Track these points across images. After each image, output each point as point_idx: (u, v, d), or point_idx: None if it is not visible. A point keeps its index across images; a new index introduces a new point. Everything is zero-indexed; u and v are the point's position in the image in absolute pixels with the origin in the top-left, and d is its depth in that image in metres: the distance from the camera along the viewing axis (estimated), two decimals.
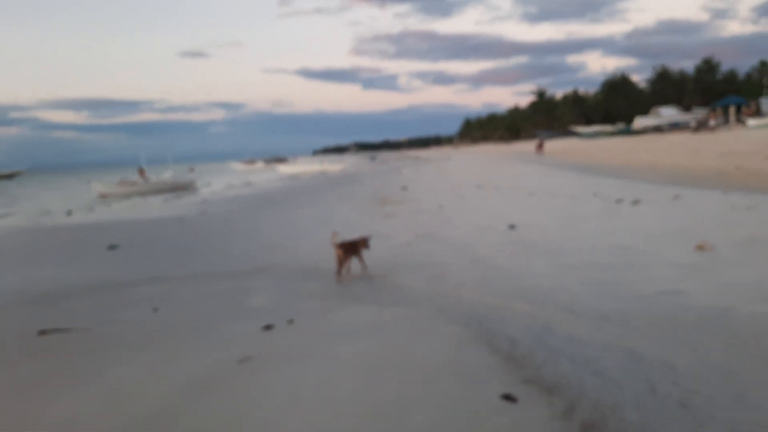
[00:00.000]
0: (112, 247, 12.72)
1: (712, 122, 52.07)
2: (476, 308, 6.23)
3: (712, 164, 25.61)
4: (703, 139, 39.71)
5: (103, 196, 39.77)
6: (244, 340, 5.49)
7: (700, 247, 7.97)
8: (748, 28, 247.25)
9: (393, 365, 4.50)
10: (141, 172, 46.35)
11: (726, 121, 53.35)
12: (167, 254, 11.70)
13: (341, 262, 8.21)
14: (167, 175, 47.43)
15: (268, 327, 5.79)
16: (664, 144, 40.76)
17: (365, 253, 8.59)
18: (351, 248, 8.37)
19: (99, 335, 6.14)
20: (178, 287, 8.46)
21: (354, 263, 8.55)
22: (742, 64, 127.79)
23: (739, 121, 52.54)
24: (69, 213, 25.63)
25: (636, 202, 12.78)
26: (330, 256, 9.89)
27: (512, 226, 11.12)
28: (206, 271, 9.58)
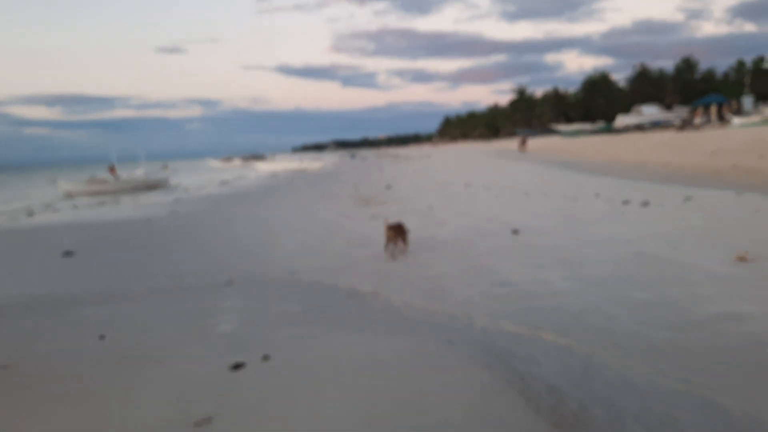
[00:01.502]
0: (67, 254, 11.37)
1: (697, 120, 51.63)
2: (493, 338, 5.08)
3: (705, 162, 24.81)
4: (690, 137, 39.08)
5: (71, 195, 38.00)
6: (206, 387, 4.28)
7: (742, 258, 6.91)
8: (723, 29, 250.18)
9: None
10: (112, 169, 44.58)
11: (709, 120, 52.92)
12: (128, 263, 10.40)
13: (392, 242, 8.95)
14: (139, 172, 45.68)
15: (237, 366, 4.58)
16: (649, 142, 40.06)
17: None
18: (399, 229, 9.07)
19: (24, 375, 4.88)
20: (134, 305, 7.19)
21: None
22: (717, 64, 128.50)
23: (723, 119, 52.20)
24: (30, 213, 24.04)
25: (645, 204, 11.75)
26: (310, 266, 8.71)
27: (515, 231, 10.00)
28: (169, 284, 8.31)
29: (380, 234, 11.30)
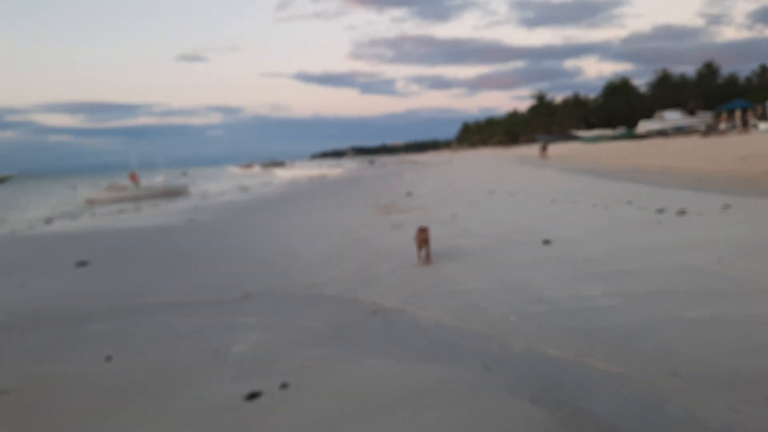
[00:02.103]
0: (81, 264, 11.06)
1: (722, 126, 50.51)
2: (536, 364, 4.58)
3: (735, 169, 24.02)
4: (716, 143, 38.14)
5: (91, 202, 38.06)
6: (217, 422, 3.84)
7: None
8: (744, 34, 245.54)
9: None
10: (132, 176, 44.70)
11: (734, 125, 51.78)
12: (142, 274, 10.04)
13: (422, 246, 8.86)
14: (159, 179, 45.75)
15: (252, 396, 4.14)
16: (674, 148, 39.19)
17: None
18: (426, 233, 8.88)
19: (23, 402, 4.49)
20: (145, 321, 6.79)
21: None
22: (738, 69, 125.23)
23: (746, 124, 51.04)
24: (48, 221, 23.93)
25: (682, 213, 11.16)
26: (331, 279, 8.26)
27: (546, 241, 9.48)
28: (183, 297, 7.92)
29: (403, 244, 10.86)
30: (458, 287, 7.24)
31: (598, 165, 34.26)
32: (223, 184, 56.61)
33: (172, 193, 42.50)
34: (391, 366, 4.66)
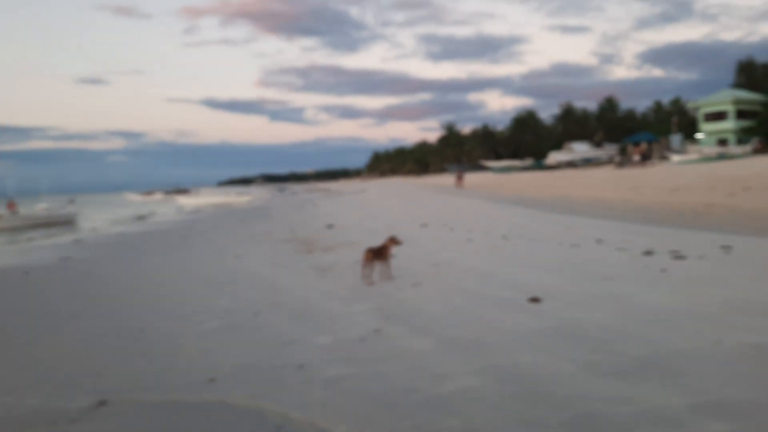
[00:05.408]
0: None
1: (636, 158, 51.13)
2: None
3: (671, 200, 23.04)
4: (634, 174, 37.89)
5: None
6: None
7: None
8: (633, 73, 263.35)
9: None
10: (10, 204, 39.53)
11: (647, 157, 52.57)
12: None
13: (368, 265, 8.76)
14: (41, 207, 40.73)
15: None
16: (595, 179, 38.67)
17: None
18: (378, 252, 8.74)
19: None
20: None
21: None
22: (630, 106, 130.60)
23: (648, 158, 51.98)
24: None
25: (680, 257, 9.10)
26: (238, 366, 5.42)
27: (534, 299, 7.08)
28: None
29: (336, 297, 8.23)
30: (441, 388, 4.64)
31: (522, 195, 32.94)
32: (117, 213, 51.72)
33: (57, 222, 37.82)
34: None
